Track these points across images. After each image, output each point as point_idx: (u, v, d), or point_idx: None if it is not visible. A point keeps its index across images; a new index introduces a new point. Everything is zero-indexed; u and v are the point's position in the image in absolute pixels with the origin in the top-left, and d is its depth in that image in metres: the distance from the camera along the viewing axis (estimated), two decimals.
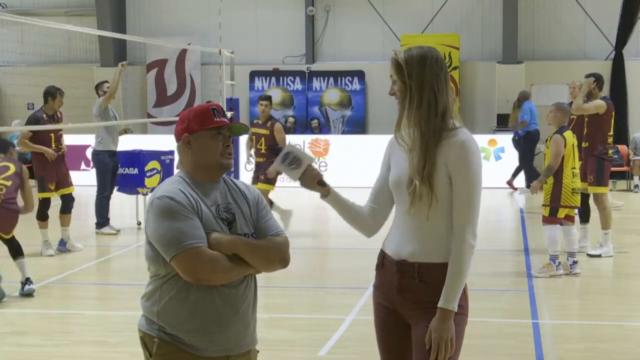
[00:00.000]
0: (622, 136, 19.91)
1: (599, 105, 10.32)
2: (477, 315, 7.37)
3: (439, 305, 3.46)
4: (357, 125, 21.31)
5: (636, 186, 17.91)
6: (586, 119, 10.53)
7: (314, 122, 20.73)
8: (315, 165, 3.63)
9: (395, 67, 3.56)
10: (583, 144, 10.49)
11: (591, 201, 10.68)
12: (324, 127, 21.09)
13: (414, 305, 3.55)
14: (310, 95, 21.61)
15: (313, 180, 3.58)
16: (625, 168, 18.38)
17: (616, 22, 20.26)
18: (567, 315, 7.85)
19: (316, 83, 21.59)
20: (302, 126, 21.24)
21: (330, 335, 6.99)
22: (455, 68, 19.95)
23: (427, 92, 3.51)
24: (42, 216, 10.68)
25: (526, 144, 17.22)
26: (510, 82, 20.30)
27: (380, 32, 21.43)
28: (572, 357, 6.54)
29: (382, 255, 3.69)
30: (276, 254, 3.38)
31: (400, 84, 3.56)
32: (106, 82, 13.25)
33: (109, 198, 12.43)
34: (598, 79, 10.57)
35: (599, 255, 10.35)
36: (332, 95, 21.55)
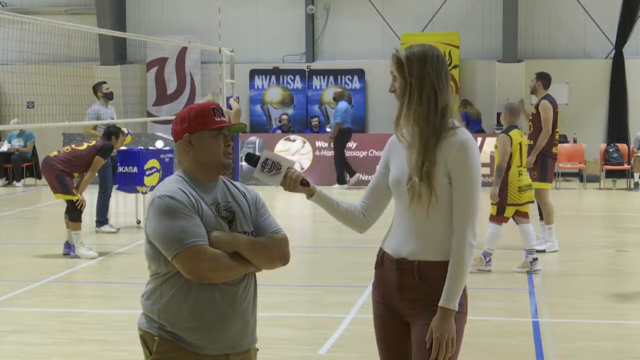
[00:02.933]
0: (622, 135, 19.93)
1: (546, 107, 10.45)
2: (477, 314, 7.38)
3: (439, 304, 3.47)
4: (357, 123, 21.30)
5: (636, 184, 17.92)
6: (530, 118, 10.67)
7: (314, 120, 20.74)
8: (295, 167, 3.63)
9: (396, 63, 3.57)
10: (528, 142, 10.65)
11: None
12: (324, 126, 21.09)
13: (413, 303, 3.56)
14: (310, 93, 21.61)
15: (296, 182, 3.58)
16: (625, 167, 18.38)
17: (616, 20, 20.26)
18: (566, 313, 7.85)
19: (316, 81, 21.59)
20: (302, 125, 21.24)
21: (330, 334, 6.99)
22: (455, 67, 19.95)
23: (427, 89, 3.52)
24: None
25: (340, 142, 18.02)
26: (511, 81, 20.31)
27: (380, 31, 21.42)
28: (572, 356, 6.54)
29: (381, 254, 3.69)
30: (277, 252, 3.39)
31: (400, 80, 3.57)
32: (104, 82, 13.24)
33: (110, 196, 12.46)
34: (543, 76, 10.72)
35: (544, 251, 10.42)
36: (332, 93, 21.53)
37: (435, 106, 3.52)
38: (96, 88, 13.00)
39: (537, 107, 10.64)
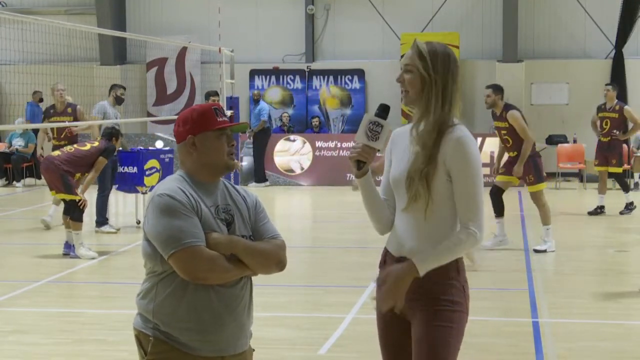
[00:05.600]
0: None
1: (516, 117, 10.47)
2: (477, 314, 7.37)
3: (411, 257, 3.46)
4: (357, 124, 21.23)
5: (636, 184, 17.92)
6: (503, 132, 10.58)
7: (315, 121, 20.73)
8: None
9: (418, 57, 3.51)
10: (511, 154, 10.59)
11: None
12: (324, 126, 21.09)
13: (412, 302, 3.55)
14: (310, 93, 21.61)
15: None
16: (625, 167, 18.35)
17: (616, 20, 20.26)
18: (566, 313, 7.85)
19: (316, 81, 21.59)
20: (302, 125, 21.24)
21: (330, 334, 6.99)
22: None
23: (448, 90, 3.51)
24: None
25: (263, 141, 18.54)
26: (510, 81, 20.28)
27: (380, 31, 21.43)
28: (572, 356, 6.54)
29: (385, 252, 3.70)
30: (274, 257, 3.37)
31: (423, 74, 3.49)
32: (123, 87, 13.34)
33: (108, 196, 12.47)
34: (498, 88, 10.69)
35: (544, 251, 10.42)
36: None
37: (450, 105, 3.53)
38: (113, 88, 13.15)
39: (504, 119, 10.53)
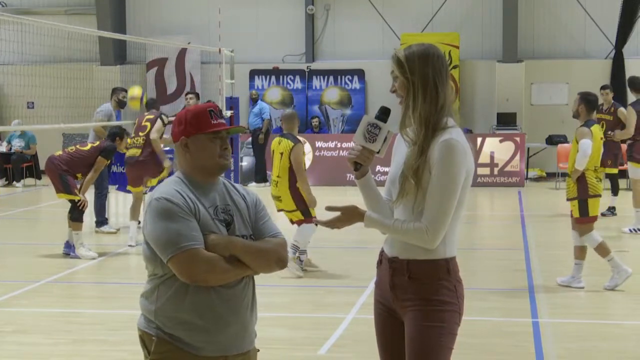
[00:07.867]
0: None
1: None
2: (477, 314, 7.38)
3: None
4: (357, 124, 21.23)
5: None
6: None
7: (315, 121, 20.73)
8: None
9: (396, 64, 3.58)
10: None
11: None
12: (324, 126, 21.09)
13: (404, 302, 3.58)
14: (310, 94, 21.61)
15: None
16: (625, 167, 18.34)
17: (616, 20, 20.26)
18: (566, 314, 7.85)
19: (316, 82, 21.58)
20: (302, 125, 21.23)
21: (330, 334, 6.99)
22: (455, 67, 19.95)
23: (430, 87, 3.53)
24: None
25: (266, 139, 18.61)
26: (510, 81, 20.30)
27: (380, 31, 21.43)
28: (572, 356, 6.54)
29: (381, 253, 3.72)
30: (273, 255, 3.36)
31: (402, 80, 3.57)
32: (125, 90, 13.25)
33: (106, 196, 12.47)
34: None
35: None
36: (332, 94, 21.53)
37: (436, 105, 3.53)
38: (115, 91, 13.09)
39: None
